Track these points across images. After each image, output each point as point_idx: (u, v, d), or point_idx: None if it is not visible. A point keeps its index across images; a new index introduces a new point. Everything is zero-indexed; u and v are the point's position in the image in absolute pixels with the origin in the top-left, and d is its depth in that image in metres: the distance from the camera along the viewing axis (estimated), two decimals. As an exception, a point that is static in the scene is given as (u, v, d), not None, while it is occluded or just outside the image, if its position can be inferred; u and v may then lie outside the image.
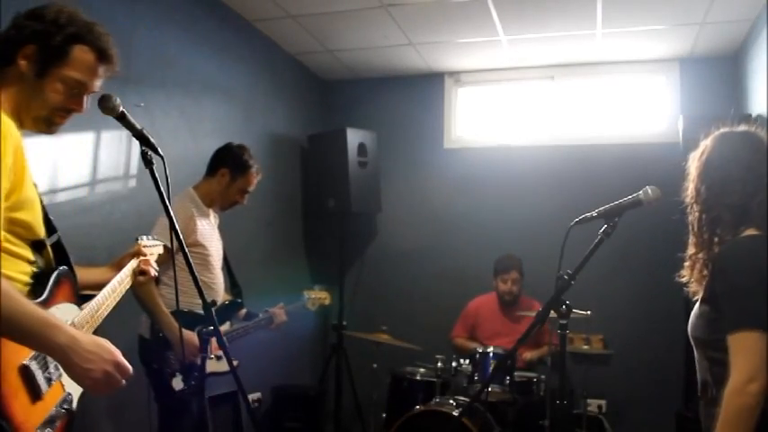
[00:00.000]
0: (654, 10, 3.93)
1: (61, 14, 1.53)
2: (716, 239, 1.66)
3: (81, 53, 1.55)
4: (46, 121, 1.55)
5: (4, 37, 1.50)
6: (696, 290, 1.74)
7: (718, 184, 1.67)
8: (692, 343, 1.72)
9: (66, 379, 1.44)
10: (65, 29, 1.52)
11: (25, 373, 1.36)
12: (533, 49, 4.64)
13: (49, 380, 1.43)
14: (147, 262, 1.96)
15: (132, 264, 1.91)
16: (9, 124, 1.37)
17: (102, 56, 1.59)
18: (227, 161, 2.97)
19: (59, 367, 1.43)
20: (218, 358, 2.75)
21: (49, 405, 1.43)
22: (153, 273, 1.98)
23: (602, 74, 4.92)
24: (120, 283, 1.83)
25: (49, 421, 1.42)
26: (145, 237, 2.04)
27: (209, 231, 2.94)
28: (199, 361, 2.73)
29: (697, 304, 1.70)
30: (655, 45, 4.47)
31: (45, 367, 1.42)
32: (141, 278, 1.94)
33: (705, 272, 1.67)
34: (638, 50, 4.58)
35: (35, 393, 1.38)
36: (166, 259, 2.79)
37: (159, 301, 2.68)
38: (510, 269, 4.31)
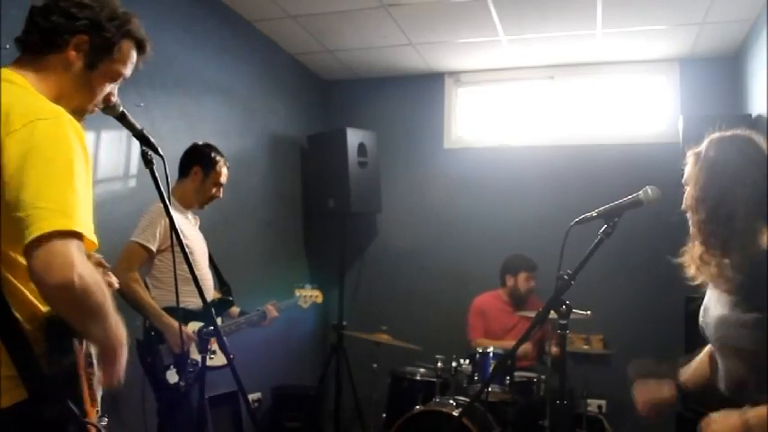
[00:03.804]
0: (654, 10, 3.93)
1: (107, 5, 1.49)
2: (739, 240, 1.58)
3: (127, 47, 1.53)
4: (84, 112, 1.53)
5: (52, 24, 1.43)
6: (712, 286, 1.69)
7: (728, 183, 1.62)
8: (727, 354, 1.63)
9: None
10: (115, 21, 1.48)
11: (89, 380, 1.41)
12: (533, 49, 4.64)
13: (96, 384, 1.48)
14: (107, 274, 1.96)
15: None
16: (74, 125, 1.33)
17: (142, 48, 1.58)
18: (198, 159, 3.07)
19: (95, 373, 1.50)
20: (214, 352, 2.76)
21: (95, 410, 1.47)
22: (116, 285, 1.98)
23: (602, 74, 4.92)
24: None
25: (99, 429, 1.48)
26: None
27: (188, 229, 3.00)
28: (192, 353, 2.78)
29: (729, 312, 1.61)
30: (655, 45, 4.47)
31: (94, 375, 1.46)
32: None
33: (738, 277, 1.58)
34: (638, 50, 4.58)
35: (93, 398, 1.43)
36: (147, 261, 2.84)
37: (144, 295, 2.79)
38: (534, 268, 4.38)
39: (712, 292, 1.73)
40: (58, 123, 1.29)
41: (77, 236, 1.23)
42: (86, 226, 1.27)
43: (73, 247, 1.21)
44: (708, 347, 1.85)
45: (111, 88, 1.56)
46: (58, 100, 1.43)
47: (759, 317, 1.54)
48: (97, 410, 1.53)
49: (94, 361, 1.48)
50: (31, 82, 1.39)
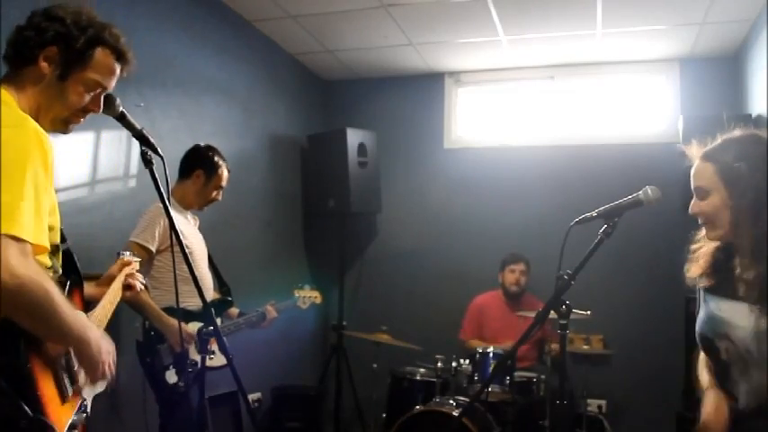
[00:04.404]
0: (654, 10, 3.93)
1: (80, 16, 1.52)
2: None
3: (102, 56, 1.54)
4: (64, 122, 1.55)
5: (24, 38, 1.48)
6: (734, 301, 1.64)
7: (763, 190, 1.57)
8: (758, 368, 1.58)
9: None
10: (86, 31, 1.51)
11: (56, 377, 1.41)
12: (533, 49, 4.64)
13: (71, 384, 1.47)
14: (133, 276, 1.97)
15: (120, 278, 1.94)
16: (37, 133, 1.36)
17: (121, 57, 1.59)
18: (201, 163, 3.07)
19: (76, 373, 1.50)
20: (213, 353, 2.75)
21: (71, 409, 1.47)
22: (140, 286, 1.99)
23: (602, 74, 4.92)
24: (114, 296, 1.87)
25: (73, 426, 1.47)
26: (127, 253, 2.05)
27: (188, 230, 2.99)
28: (192, 354, 2.78)
29: (760, 325, 1.57)
30: (655, 45, 4.47)
31: (68, 372, 1.47)
32: (128, 293, 1.98)
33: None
34: (638, 50, 4.58)
35: (63, 397, 1.43)
36: (146, 261, 2.85)
37: (143, 296, 2.76)
38: (518, 260, 4.41)
39: (727, 302, 1.67)
40: (19, 132, 1.32)
41: (18, 239, 1.25)
42: (33, 230, 1.28)
43: (9, 248, 1.22)
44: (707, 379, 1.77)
45: (92, 98, 1.56)
46: (37, 111, 1.48)
47: None
48: (84, 404, 1.53)
49: (72, 358, 1.48)
50: (13, 96, 1.43)
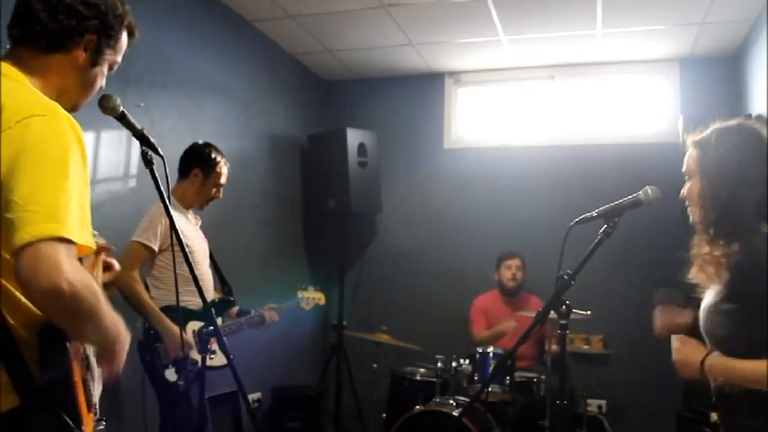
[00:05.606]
0: (654, 10, 3.93)
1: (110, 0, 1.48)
2: (737, 235, 1.61)
3: (124, 38, 1.54)
4: (80, 106, 1.51)
5: (64, 26, 1.39)
6: (708, 287, 1.70)
7: (734, 179, 1.63)
8: (708, 341, 1.68)
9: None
10: (117, 17, 1.49)
11: (84, 383, 1.37)
12: (533, 49, 4.64)
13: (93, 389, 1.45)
14: (109, 260, 1.93)
15: (99, 263, 1.89)
16: (70, 121, 1.28)
17: (132, 34, 1.58)
18: (198, 161, 3.05)
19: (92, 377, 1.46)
20: (214, 352, 2.75)
21: (93, 416, 1.44)
22: (117, 267, 1.95)
23: (602, 74, 4.92)
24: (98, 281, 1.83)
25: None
26: (96, 233, 2.01)
27: (188, 230, 2.99)
28: (193, 357, 2.77)
29: (712, 301, 1.65)
30: (655, 45, 4.47)
31: (92, 378, 1.43)
32: (108, 273, 1.92)
33: (725, 269, 1.62)
34: (638, 50, 4.58)
35: (89, 405, 1.39)
36: (148, 260, 2.84)
37: (144, 296, 2.78)
38: (514, 256, 4.41)
39: (710, 289, 1.73)
40: (54, 120, 1.24)
41: (68, 240, 1.18)
42: (80, 230, 1.21)
43: (61, 251, 1.16)
44: None
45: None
46: (58, 97, 1.40)
47: (735, 307, 1.59)
48: (95, 413, 1.52)
49: (92, 363, 1.45)
50: (29, 78, 1.36)
